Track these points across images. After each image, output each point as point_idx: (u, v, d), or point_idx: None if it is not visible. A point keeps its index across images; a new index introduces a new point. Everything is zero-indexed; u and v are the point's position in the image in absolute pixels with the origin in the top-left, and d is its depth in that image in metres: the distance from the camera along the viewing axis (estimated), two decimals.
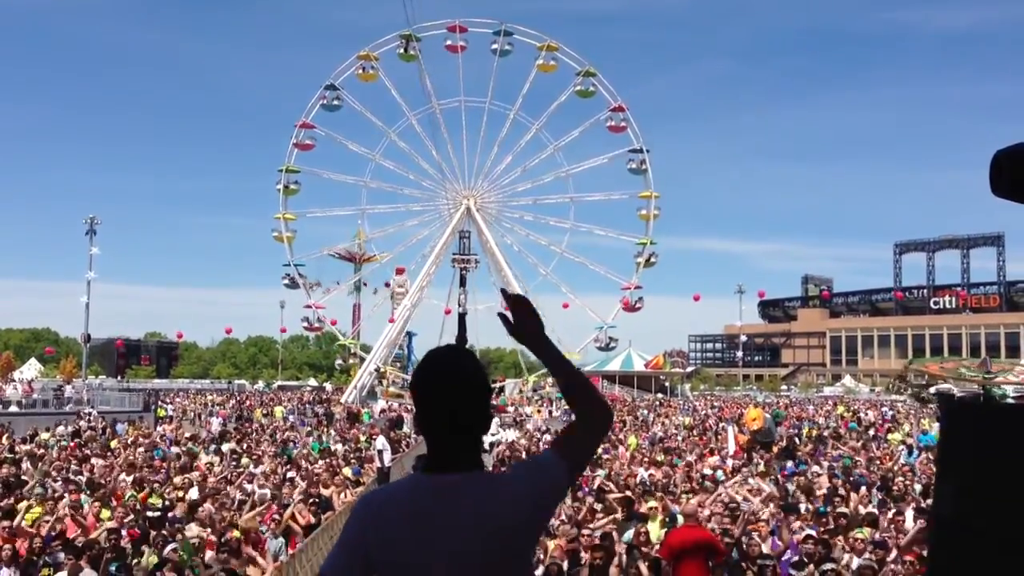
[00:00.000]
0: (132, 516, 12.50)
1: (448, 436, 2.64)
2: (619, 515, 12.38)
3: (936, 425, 39.53)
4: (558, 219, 79.09)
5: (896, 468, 20.72)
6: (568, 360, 2.89)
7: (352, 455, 24.10)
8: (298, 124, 76.12)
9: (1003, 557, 2.17)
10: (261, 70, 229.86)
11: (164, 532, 11.70)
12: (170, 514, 13.39)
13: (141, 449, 22.85)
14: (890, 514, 13.14)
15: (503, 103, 77.60)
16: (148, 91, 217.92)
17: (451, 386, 2.64)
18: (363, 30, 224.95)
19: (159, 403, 55.01)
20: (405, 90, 79.23)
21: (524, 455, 22.48)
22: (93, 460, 20.56)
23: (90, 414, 40.40)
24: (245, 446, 25.58)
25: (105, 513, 12.55)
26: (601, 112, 76.53)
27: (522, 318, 2.82)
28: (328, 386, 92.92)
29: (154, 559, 10.78)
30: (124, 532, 11.56)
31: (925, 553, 10.29)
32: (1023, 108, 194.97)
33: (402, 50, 74.55)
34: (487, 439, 27.36)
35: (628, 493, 14.44)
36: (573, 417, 2.82)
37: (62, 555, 10.23)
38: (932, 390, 65.43)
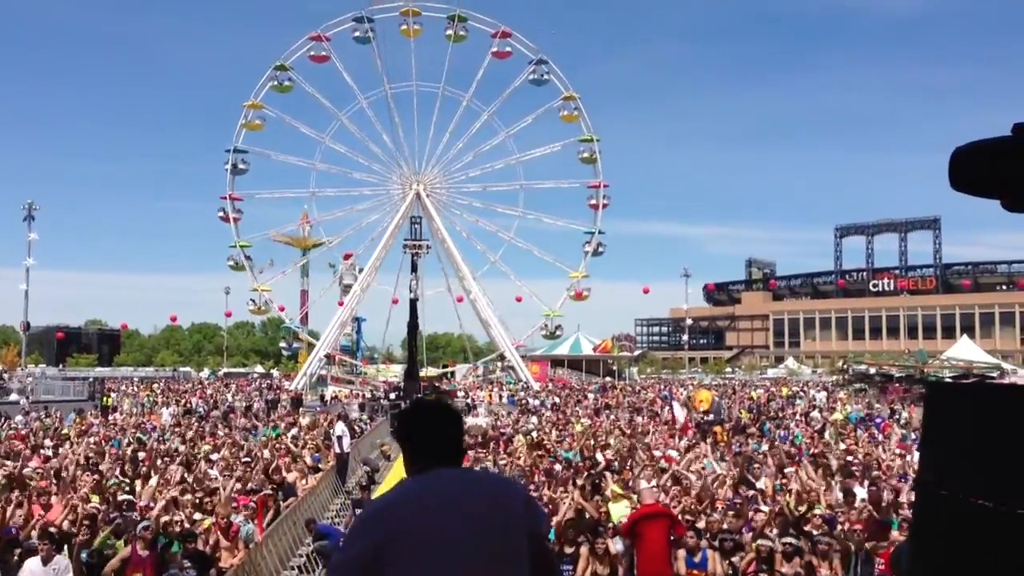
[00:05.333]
0: (106, 504, 12.54)
1: (439, 452, 3.11)
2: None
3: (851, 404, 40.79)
4: (507, 207, 79.86)
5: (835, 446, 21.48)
6: None
7: (309, 441, 24.13)
8: (311, 35, 75.63)
9: (983, 524, 2.47)
10: (205, 50, 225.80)
11: (132, 517, 11.77)
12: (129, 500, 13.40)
13: (93, 440, 22.65)
14: (837, 489, 13.74)
15: (456, 89, 78.07)
16: (87, 71, 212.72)
17: (443, 418, 3.21)
18: (315, 11, 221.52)
19: (105, 392, 54.15)
20: (356, 73, 78.88)
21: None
22: (44, 451, 20.41)
23: (26, 407, 39.42)
24: (203, 433, 25.48)
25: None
26: (554, 99, 77.59)
27: None
28: (276, 372, 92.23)
29: (122, 544, 10.86)
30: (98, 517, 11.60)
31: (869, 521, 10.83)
32: (962, 94, 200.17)
33: (405, 26, 74.70)
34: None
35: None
36: None
37: (35, 541, 10.28)
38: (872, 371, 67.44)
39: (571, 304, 79.26)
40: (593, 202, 77.55)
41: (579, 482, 13.40)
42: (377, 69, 76.23)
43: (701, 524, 11.18)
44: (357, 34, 74.81)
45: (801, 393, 54.28)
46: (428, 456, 3.08)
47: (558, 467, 17.50)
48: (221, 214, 75.66)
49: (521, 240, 79.21)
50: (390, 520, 2.89)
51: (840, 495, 12.85)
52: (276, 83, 75.10)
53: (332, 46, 75.65)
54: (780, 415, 35.10)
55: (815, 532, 10.59)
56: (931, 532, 2.63)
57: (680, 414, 28.33)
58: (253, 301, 76.72)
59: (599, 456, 18.84)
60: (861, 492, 13.19)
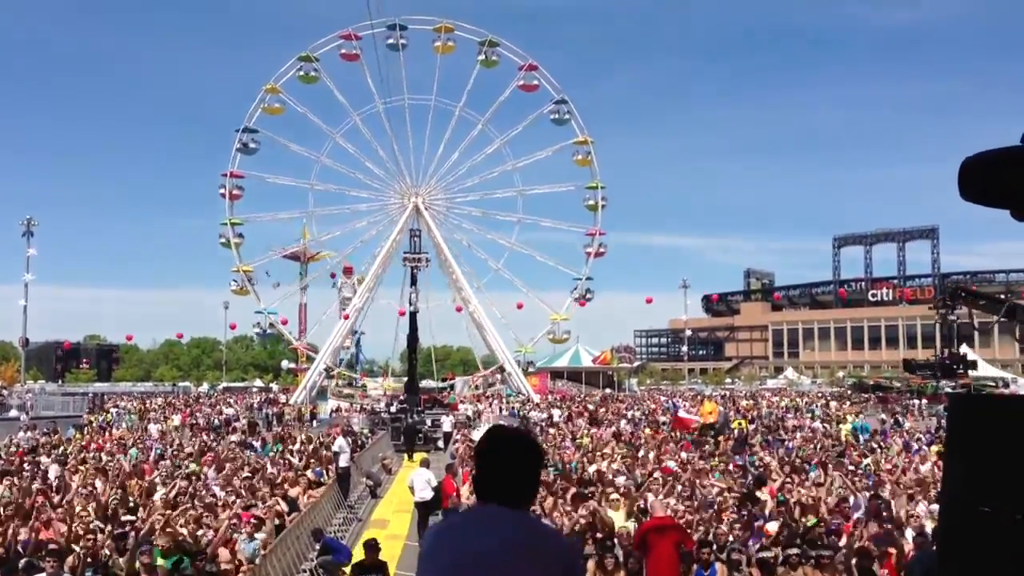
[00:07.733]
0: (108, 522, 12.48)
1: (495, 487, 3.10)
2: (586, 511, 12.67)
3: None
4: (502, 235, 79.61)
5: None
6: None
7: (311, 456, 24.06)
8: (342, 34, 74.70)
9: (1011, 534, 2.46)
10: (204, 70, 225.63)
11: (134, 534, 11.70)
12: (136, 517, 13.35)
13: (103, 455, 22.58)
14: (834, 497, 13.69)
15: (472, 111, 77.93)
16: (85, 87, 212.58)
17: (511, 453, 3.14)
18: (305, 30, 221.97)
19: (105, 408, 54.03)
20: (346, 90, 78.61)
21: None
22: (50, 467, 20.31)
23: (26, 423, 39.34)
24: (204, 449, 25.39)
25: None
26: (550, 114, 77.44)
27: None
28: (275, 387, 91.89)
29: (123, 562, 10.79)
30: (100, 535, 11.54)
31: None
32: (960, 105, 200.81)
33: (439, 42, 74.76)
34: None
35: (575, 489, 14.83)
36: None
37: (40, 561, 10.21)
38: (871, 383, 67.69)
39: (574, 309, 78.84)
40: (588, 249, 77.53)
41: (572, 491, 13.30)
42: (400, 78, 75.60)
43: (711, 537, 11.14)
44: (390, 41, 73.89)
45: (800, 404, 54.14)
46: (483, 490, 3.14)
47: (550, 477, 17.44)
48: (221, 191, 75.12)
49: (507, 271, 79.12)
50: (426, 548, 3.15)
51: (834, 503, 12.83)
52: (302, 73, 74.58)
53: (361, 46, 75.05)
54: (780, 426, 35.06)
55: (819, 543, 10.55)
56: (961, 544, 2.62)
57: (687, 416, 28.47)
58: (235, 281, 75.96)
59: (597, 467, 18.84)
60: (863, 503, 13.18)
